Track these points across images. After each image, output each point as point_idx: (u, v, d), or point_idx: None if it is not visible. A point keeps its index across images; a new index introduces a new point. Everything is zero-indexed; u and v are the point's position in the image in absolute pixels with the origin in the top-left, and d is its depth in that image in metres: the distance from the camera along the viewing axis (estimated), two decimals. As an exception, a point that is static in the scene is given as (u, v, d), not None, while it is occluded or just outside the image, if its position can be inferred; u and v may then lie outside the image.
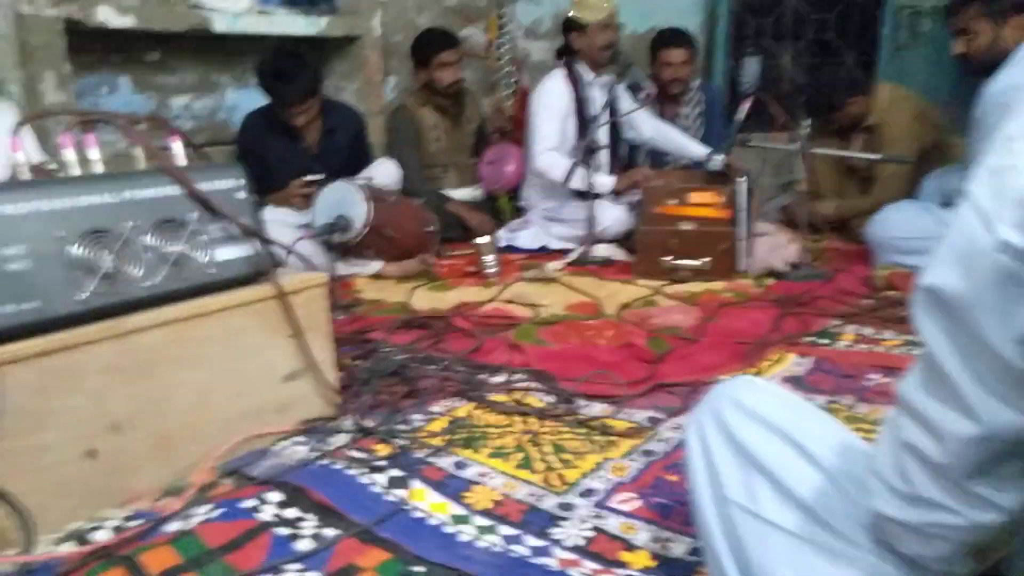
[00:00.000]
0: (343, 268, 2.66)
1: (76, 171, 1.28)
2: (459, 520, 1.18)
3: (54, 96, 2.51)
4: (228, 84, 3.37)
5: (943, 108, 3.13)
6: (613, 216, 2.99)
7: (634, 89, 3.34)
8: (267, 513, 1.19)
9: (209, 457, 1.33)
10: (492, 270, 2.68)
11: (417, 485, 1.28)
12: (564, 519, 1.18)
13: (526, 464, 1.35)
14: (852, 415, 1.52)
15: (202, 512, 1.19)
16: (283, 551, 1.10)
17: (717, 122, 3.54)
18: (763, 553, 0.79)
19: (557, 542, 1.12)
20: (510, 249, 3.15)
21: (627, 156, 3.44)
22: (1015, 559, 0.47)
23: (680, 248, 2.63)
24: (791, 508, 0.78)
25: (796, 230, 2.80)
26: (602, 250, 2.95)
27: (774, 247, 2.68)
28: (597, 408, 1.59)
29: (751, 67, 3.07)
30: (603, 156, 3.13)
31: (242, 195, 1.42)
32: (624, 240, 3.00)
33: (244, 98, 3.31)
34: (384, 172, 2.97)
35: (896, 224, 2.59)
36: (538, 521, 1.17)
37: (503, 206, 3.49)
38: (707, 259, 2.61)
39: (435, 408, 1.58)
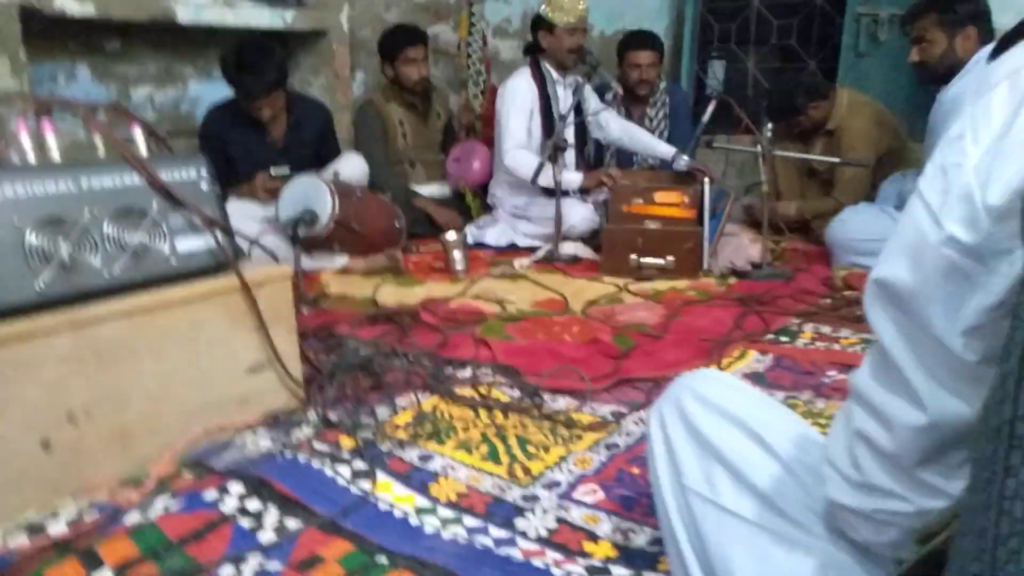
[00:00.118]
0: (309, 262, 2.64)
1: (31, 158, 1.25)
2: (424, 512, 1.19)
3: (8, 83, 2.44)
4: (191, 75, 3.31)
5: (901, 114, 3.21)
6: (580, 215, 3.01)
7: (601, 90, 3.37)
8: (229, 505, 1.18)
9: (170, 449, 1.31)
10: (460, 266, 2.68)
11: (382, 477, 1.28)
12: (528, 510, 1.18)
13: (492, 456, 1.36)
14: (810, 410, 1.56)
15: (162, 504, 1.17)
16: (245, 542, 1.09)
17: (683, 123, 3.59)
18: (721, 540, 0.80)
19: (522, 533, 1.13)
20: (478, 246, 3.15)
21: (594, 156, 3.47)
22: (958, 539, 0.49)
23: (646, 247, 2.66)
24: (749, 497, 0.80)
25: (758, 230, 2.85)
26: (569, 248, 2.97)
27: (737, 247, 2.73)
28: (562, 402, 1.61)
29: (716, 70, 3.12)
30: (570, 155, 3.15)
31: (205, 186, 1.41)
32: (591, 238, 3.03)
33: (208, 90, 3.26)
34: (351, 167, 2.95)
35: (854, 226, 2.66)
36: (502, 512, 1.18)
37: (470, 203, 3.49)
38: (672, 258, 2.65)
39: (401, 401, 1.58)
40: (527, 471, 1.31)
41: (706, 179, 2.80)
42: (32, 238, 1.16)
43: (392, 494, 1.23)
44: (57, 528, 1.12)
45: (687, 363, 1.83)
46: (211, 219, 1.38)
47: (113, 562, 1.03)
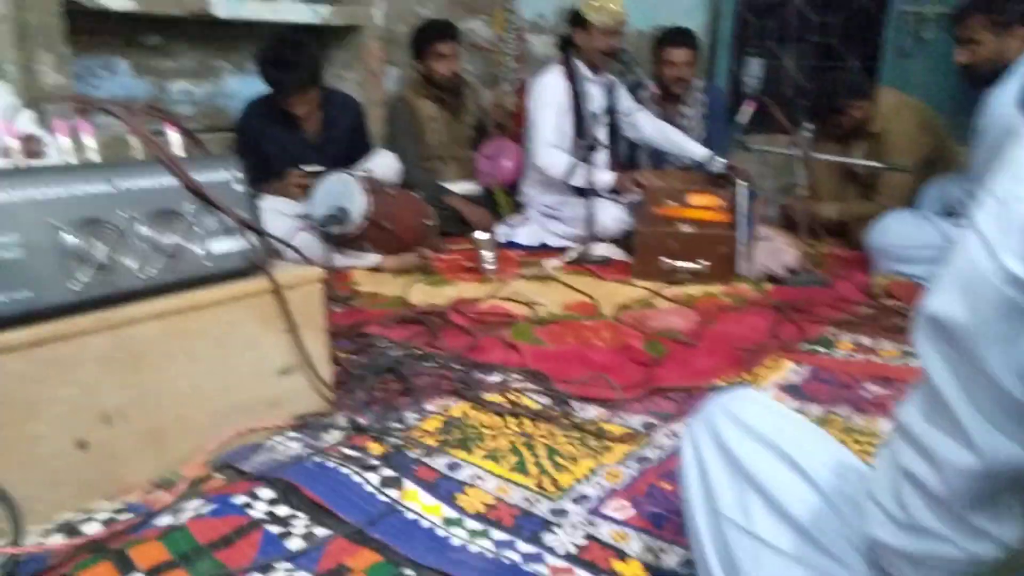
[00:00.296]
0: (340, 260, 2.65)
1: (71, 159, 1.26)
2: (451, 523, 1.18)
3: (52, 78, 2.49)
4: (228, 70, 3.34)
5: (945, 116, 3.12)
6: (612, 215, 2.98)
7: (636, 88, 3.32)
8: (259, 510, 1.19)
9: (201, 451, 1.32)
10: (490, 266, 2.67)
11: (410, 486, 1.27)
12: (557, 525, 1.17)
13: (520, 467, 1.35)
14: (849, 426, 1.52)
15: (193, 507, 1.18)
16: (274, 549, 1.09)
17: (719, 123, 3.53)
18: (755, 571, 0.78)
19: (549, 549, 1.11)
20: (509, 245, 3.14)
21: (627, 156, 3.43)
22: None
23: (679, 250, 2.62)
24: (785, 527, 0.78)
25: (795, 234, 2.79)
26: (601, 249, 2.94)
27: (773, 252, 2.68)
28: (592, 411, 1.59)
29: (754, 68, 3.06)
30: (602, 155, 3.12)
31: (239, 187, 1.41)
32: (623, 240, 3.00)
33: (244, 85, 3.29)
34: (384, 164, 2.95)
35: (896, 233, 2.59)
36: (530, 527, 1.17)
37: (500, 201, 3.48)
38: (706, 262, 2.60)
39: (430, 407, 1.58)
40: (556, 484, 1.29)
41: (741, 181, 2.75)
42: (69, 239, 1.17)
43: (420, 503, 1.23)
44: (92, 528, 1.13)
45: (720, 372, 1.80)
46: (244, 221, 1.38)
47: (145, 566, 1.04)
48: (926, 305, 0.58)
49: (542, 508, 1.22)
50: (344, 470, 1.31)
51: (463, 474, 1.32)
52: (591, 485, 1.29)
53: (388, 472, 1.31)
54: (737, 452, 0.85)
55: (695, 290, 2.53)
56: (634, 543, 1.13)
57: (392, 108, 3.39)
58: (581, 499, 1.25)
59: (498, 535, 1.15)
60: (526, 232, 3.21)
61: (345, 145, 2.99)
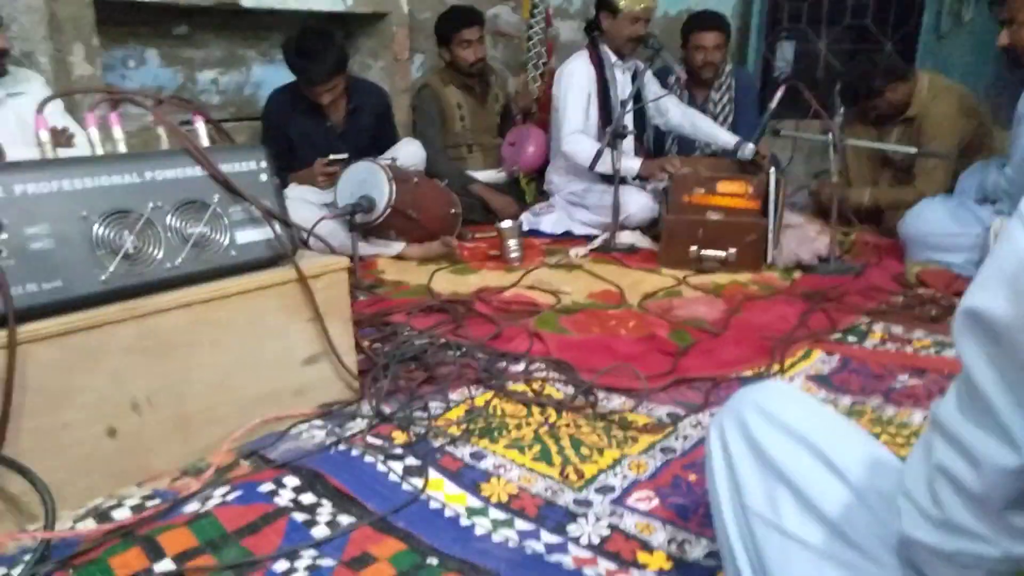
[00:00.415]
0: (365, 248, 2.66)
1: (99, 150, 1.28)
2: (475, 512, 1.18)
3: (82, 69, 2.52)
4: (254, 59, 3.36)
5: (984, 99, 3.03)
6: (639, 203, 2.95)
7: (663, 74, 3.27)
8: (284, 498, 1.20)
9: (227, 439, 1.33)
10: (515, 255, 2.66)
11: (434, 475, 1.27)
12: (581, 516, 1.16)
13: (543, 457, 1.34)
14: (879, 418, 1.49)
15: (220, 494, 1.19)
16: (299, 537, 1.10)
17: (749, 108, 3.46)
18: (784, 567, 0.77)
19: (574, 539, 1.11)
20: (533, 233, 3.13)
21: (654, 142, 3.38)
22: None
23: (707, 238, 2.58)
24: (815, 523, 0.76)
25: (826, 220, 2.73)
26: (627, 237, 2.91)
27: (803, 239, 2.63)
28: (617, 401, 1.57)
29: (785, 51, 2.98)
30: (628, 142, 3.08)
31: (264, 177, 1.42)
32: (649, 228, 2.96)
33: (270, 74, 3.31)
34: (409, 153, 2.95)
35: (931, 220, 2.51)
36: (555, 517, 1.16)
37: (525, 188, 3.46)
38: (734, 250, 2.56)
39: (454, 396, 1.58)
40: (580, 474, 1.28)
41: (772, 168, 2.69)
42: (99, 230, 1.18)
43: (444, 492, 1.23)
44: (121, 514, 1.15)
45: (747, 362, 1.77)
46: (270, 211, 1.39)
47: (173, 552, 1.05)
48: (967, 299, 0.56)
49: (566, 498, 1.21)
50: (369, 458, 1.31)
51: (487, 463, 1.32)
52: (615, 475, 1.28)
53: (412, 461, 1.31)
54: (765, 446, 0.83)
55: (722, 278, 2.49)
56: (659, 534, 1.12)
57: (417, 95, 3.38)
58: (606, 490, 1.24)
59: (522, 525, 1.14)
60: (551, 220, 3.19)
61: (370, 133, 2.99)
